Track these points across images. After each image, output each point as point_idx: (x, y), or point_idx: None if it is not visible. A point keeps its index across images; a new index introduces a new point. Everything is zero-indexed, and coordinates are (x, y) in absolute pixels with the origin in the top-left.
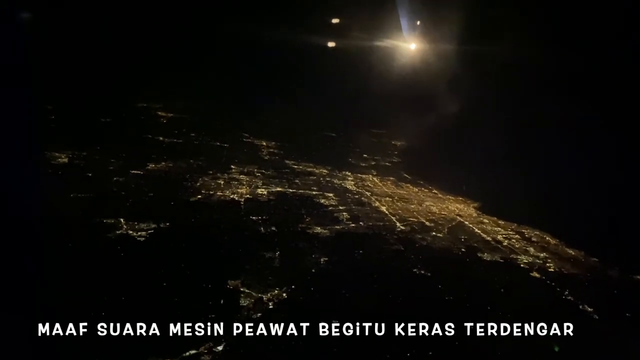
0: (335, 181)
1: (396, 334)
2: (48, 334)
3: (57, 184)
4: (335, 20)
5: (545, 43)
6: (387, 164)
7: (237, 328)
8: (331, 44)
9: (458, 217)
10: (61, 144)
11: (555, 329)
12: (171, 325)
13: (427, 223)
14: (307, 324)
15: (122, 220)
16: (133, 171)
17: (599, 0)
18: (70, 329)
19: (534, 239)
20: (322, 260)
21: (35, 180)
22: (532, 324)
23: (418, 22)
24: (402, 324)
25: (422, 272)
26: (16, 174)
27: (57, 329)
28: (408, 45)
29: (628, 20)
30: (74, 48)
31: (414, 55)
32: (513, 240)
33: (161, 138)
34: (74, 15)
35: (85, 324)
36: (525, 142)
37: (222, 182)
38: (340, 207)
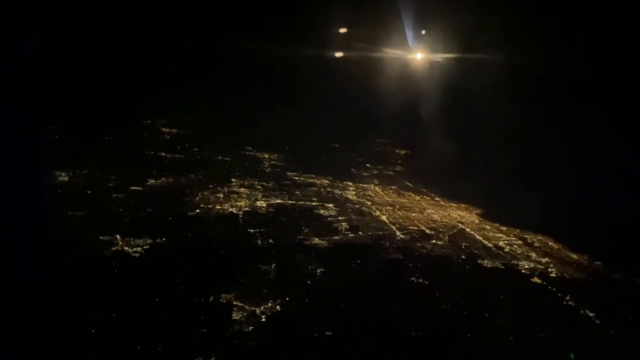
0: (336, 191)
1: (390, 344)
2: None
3: (55, 202)
4: (340, 32)
5: (549, 50)
6: (389, 172)
7: (228, 342)
8: (337, 55)
9: (459, 224)
10: (63, 163)
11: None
12: (161, 340)
13: (428, 231)
14: (300, 337)
15: (118, 236)
16: (132, 187)
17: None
18: (61, 346)
19: (536, 245)
20: (318, 271)
21: (32, 199)
22: (531, 330)
23: (423, 32)
24: (397, 334)
25: (421, 280)
26: (14, 193)
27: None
28: (414, 55)
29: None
30: (80, 67)
31: (420, 65)
32: (515, 246)
33: (163, 154)
34: (80, 35)
35: (76, 340)
36: (529, 148)
37: (221, 196)
38: (340, 218)
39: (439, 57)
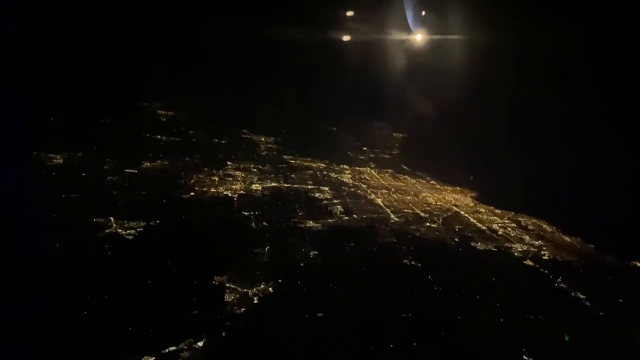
0: (332, 175)
1: (381, 325)
2: (29, 330)
3: (50, 184)
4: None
5: (553, 34)
6: (386, 156)
7: (219, 324)
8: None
9: (454, 207)
10: (58, 145)
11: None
12: (152, 322)
13: (422, 214)
14: (291, 318)
15: (112, 219)
16: (127, 170)
17: None
18: (51, 327)
19: (530, 227)
20: (311, 254)
21: (26, 181)
22: (521, 311)
23: (423, 13)
24: (388, 316)
25: (413, 263)
26: (7, 176)
27: (39, 326)
28: (413, 36)
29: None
30: (75, 49)
31: (419, 47)
32: (509, 229)
33: (159, 136)
34: (74, 17)
35: (66, 321)
36: (525, 132)
37: (216, 179)
38: (335, 201)
39: (439, 38)
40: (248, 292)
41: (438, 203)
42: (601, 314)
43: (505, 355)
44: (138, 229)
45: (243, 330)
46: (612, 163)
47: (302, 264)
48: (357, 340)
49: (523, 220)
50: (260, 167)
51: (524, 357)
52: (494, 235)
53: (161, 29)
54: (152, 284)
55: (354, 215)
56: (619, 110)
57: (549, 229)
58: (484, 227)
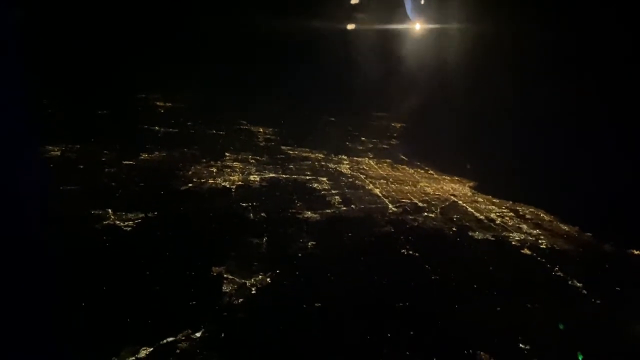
0: (330, 165)
1: (379, 314)
2: (27, 322)
3: (47, 176)
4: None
5: (554, 25)
6: (384, 146)
7: (218, 314)
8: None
9: (452, 197)
10: (55, 138)
11: (541, 305)
12: (149, 313)
13: (420, 204)
14: (289, 308)
15: (110, 211)
16: (125, 162)
17: None
18: (49, 318)
19: (527, 216)
20: (309, 244)
21: (24, 174)
22: (519, 300)
23: (422, 2)
24: (385, 305)
25: (411, 252)
26: (5, 168)
27: (36, 317)
28: (412, 25)
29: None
30: (73, 41)
31: (418, 36)
32: (506, 218)
33: (157, 128)
34: (73, 11)
35: (64, 312)
36: (523, 122)
37: (214, 170)
38: (333, 191)
39: (438, 27)
40: (246, 283)
41: (436, 193)
42: (598, 302)
43: (501, 344)
44: (136, 221)
45: (241, 320)
46: (611, 152)
47: (300, 255)
48: (355, 330)
49: (521, 209)
50: (258, 158)
51: (521, 345)
52: (492, 224)
53: (161, 22)
54: (149, 275)
55: (352, 206)
56: (617, 101)
57: (546, 217)
58: (481, 217)
